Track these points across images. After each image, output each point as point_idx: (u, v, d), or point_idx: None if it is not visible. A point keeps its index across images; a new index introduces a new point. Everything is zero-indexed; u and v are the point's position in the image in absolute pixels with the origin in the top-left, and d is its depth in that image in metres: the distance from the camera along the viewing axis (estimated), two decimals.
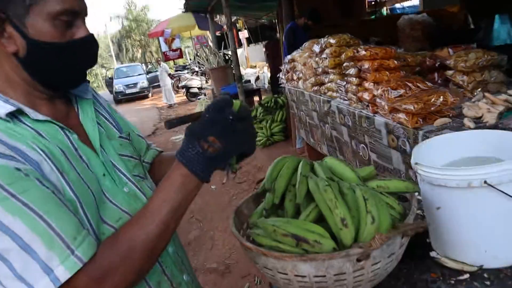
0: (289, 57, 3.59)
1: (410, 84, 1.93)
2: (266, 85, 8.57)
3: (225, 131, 0.75)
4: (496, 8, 5.46)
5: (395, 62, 2.05)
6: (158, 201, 0.74)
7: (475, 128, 1.58)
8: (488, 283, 0.96)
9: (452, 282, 0.98)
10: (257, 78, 11.29)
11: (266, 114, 5.69)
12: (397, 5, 14.53)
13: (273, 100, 5.59)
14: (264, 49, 7.01)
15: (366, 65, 2.07)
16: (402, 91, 1.91)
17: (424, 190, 1.04)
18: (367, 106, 2.20)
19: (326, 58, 2.68)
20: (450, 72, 2.03)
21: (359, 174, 1.00)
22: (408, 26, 4.46)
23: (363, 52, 2.08)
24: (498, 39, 5.13)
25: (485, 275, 0.99)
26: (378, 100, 2.04)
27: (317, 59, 2.90)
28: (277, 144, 5.52)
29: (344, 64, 2.37)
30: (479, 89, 1.96)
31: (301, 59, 3.20)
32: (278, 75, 4.01)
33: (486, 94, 1.76)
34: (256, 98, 7.70)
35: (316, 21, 4.48)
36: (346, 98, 2.49)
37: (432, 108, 1.73)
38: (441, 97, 1.74)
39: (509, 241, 0.99)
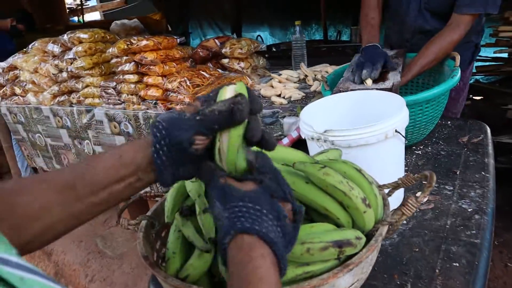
0: (2, 65, 2.70)
1: (203, 73, 1.85)
2: None
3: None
4: (187, 18, 6.28)
5: (180, 52, 1.90)
6: None
7: (287, 104, 1.70)
8: (405, 221, 1.03)
9: None
10: None
11: None
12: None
13: None
14: None
15: (150, 57, 1.81)
16: (198, 81, 1.80)
17: None
18: (155, 104, 1.95)
19: (77, 58, 2.18)
20: (226, 60, 2.08)
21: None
22: (123, 31, 4.41)
23: (144, 42, 1.81)
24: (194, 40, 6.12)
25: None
26: (173, 94, 1.84)
27: (57, 61, 2.32)
28: None
29: (113, 61, 2.00)
30: (254, 74, 2.12)
31: (29, 65, 2.47)
32: None
33: (273, 75, 1.92)
34: None
35: (30, 25, 3.56)
36: (119, 101, 2.12)
37: None
38: (242, 81, 1.76)
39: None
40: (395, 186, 0.76)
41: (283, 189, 0.49)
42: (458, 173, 1.19)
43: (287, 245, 0.47)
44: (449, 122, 1.51)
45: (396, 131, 0.96)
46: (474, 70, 3.99)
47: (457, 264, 0.85)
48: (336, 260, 0.60)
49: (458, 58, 1.34)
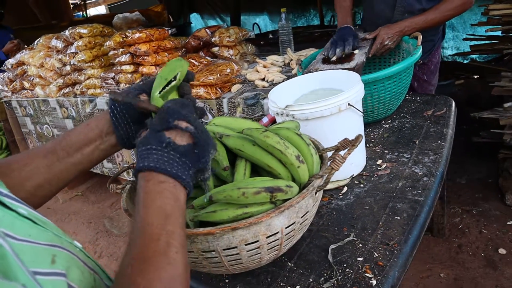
0: (11, 61, 2.88)
1: (193, 61, 1.98)
2: None
3: (194, 117, 0.59)
4: (188, 9, 6.37)
5: (171, 42, 2.03)
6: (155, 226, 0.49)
7: (269, 86, 1.82)
8: (362, 185, 1.16)
9: (341, 196, 1.13)
10: None
11: None
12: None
13: None
14: None
15: (143, 48, 1.95)
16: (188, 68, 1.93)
17: None
18: None
19: (78, 52, 2.33)
20: (216, 48, 2.20)
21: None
22: (125, 24, 4.55)
23: (138, 35, 1.94)
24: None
25: (355, 181, 1.19)
26: None
27: (61, 56, 2.48)
28: None
29: (111, 53, 2.14)
30: (242, 60, 2.24)
31: (35, 60, 2.64)
32: None
33: (258, 60, 2.04)
34: None
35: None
36: (118, 91, 2.26)
37: (226, 78, 1.85)
38: (228, 67, 1.88)
39: (361, 149, 1.23)
40: (336, 149, 0.88)
41: (168, 119, 0.56)
42: (417, 142, 1.31)
43: (200, 151, 0.57)
44: (418, 98, 1.61)
45: (349, 104, 1.08)
46: (465, 50, 4.03)
47: (399, 218, 0.98)
48: (272, 204, 0.73)
49: (420, 37, 1.44)
